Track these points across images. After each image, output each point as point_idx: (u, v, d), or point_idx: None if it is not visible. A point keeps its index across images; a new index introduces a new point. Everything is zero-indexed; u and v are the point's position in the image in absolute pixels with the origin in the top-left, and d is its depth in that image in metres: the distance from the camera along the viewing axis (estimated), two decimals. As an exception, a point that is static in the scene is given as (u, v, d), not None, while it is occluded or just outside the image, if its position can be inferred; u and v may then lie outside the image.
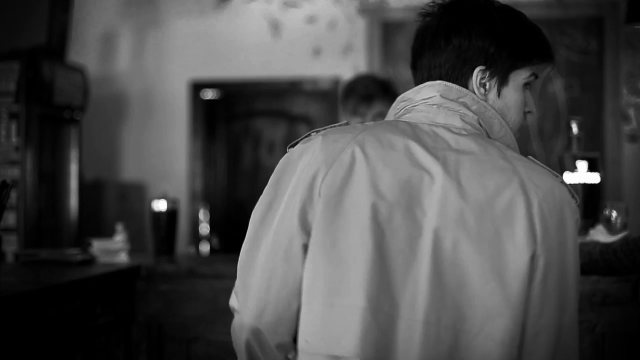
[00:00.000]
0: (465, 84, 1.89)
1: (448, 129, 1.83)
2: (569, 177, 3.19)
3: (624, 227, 3.00)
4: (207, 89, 6.87)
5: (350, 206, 1.74)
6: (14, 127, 5.10)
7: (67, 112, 5.56)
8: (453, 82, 1.89)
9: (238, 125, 6.96)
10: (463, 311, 1.70)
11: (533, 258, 1.69)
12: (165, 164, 6.81)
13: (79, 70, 5.71)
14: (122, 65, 6.90)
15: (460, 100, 1.87)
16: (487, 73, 1.88)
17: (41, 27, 5.49)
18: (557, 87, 6.40)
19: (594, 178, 3.19)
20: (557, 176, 1.77)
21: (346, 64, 6.46)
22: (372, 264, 1.71)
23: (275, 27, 6.63)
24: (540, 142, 6.38)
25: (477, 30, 1.88)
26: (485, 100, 1.88)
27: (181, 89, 6.81)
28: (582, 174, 3.17)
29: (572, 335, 1.76)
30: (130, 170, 6.88)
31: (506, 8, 1.93)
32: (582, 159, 3.20)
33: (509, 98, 1.91)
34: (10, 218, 5.01)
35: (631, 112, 6.21)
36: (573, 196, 1.76)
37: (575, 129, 3.29)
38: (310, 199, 1.75)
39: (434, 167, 1.74)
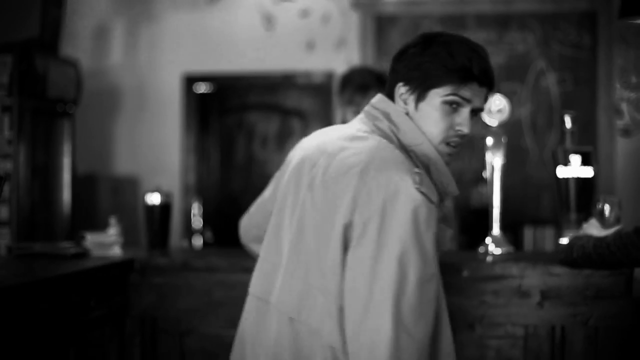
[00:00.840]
0: (394, 99, 2.30)
1: (361, 127, 2.29)
2: (562, 171, 3.19)
3: (617, 221, 3.01)
4: (200, 83, 6.86)
5: (282, 182, 2.40)
6: (6, 120, 5.10)
7: (60, 105, 5.55)
8: (388, 96, 2.32)
9: (231, 119, 6.95)
10: (310, 267, 2.14)
11: (348, 228, 2.07)
12: (158, 157, 6.80)
13: (72, 64, 5.70)
14: (115, 59, 6.89)
15: (386, 110, 2.28)
16: (407, 89, 2.26)
17: (34, 21, 5.48)
18: (550, 81, 6.40)
19: (588, 172, 3.19)
20: (415, 169, 2.11)
21: (339, 57, 6.46)
22: (272, 226, 2.36)
23: (268, 20, 6.62)
24: (533, 137, 6.39)
25: (405, 55, 2.29)
26: (407, 112, 2.26)
27: (174, 82, 6.80)
28: (575, 168, 3.18)
29: (384, 305, 1.99)
30: (123, 164, 6.87)
31: (448, 39, 2.27)
32: (576, 153, 3.21)
33: (425, 112, 2.24)
34: (3, 211, 5.01)
35: (624, 107, 6.22)
36: (417, 184, 2.05)
37: (568, 123, 3.29)
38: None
39: (323, 154, 2.24)
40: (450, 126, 2.23)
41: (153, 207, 3.66)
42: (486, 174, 3.34)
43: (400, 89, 2.27)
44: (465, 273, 2.96)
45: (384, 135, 2.23)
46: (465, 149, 6.26)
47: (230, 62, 6.68)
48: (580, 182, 3.18)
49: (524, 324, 2.95)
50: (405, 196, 2.03)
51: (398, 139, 2.23)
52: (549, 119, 6.40)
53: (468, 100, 2.22)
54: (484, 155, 3.35)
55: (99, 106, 6.76)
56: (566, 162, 3.20)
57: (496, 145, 3.31)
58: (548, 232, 6.12)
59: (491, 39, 6.48)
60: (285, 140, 6.73)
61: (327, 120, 6.23)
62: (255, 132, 6.88)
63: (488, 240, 3.33)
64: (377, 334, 1.97)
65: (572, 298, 2.91)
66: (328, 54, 6.54)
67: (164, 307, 3.23)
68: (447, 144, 2.24)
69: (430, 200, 2.05)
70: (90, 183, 6.81)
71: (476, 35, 6.48)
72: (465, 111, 2.23)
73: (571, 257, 2.82)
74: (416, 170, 2.09)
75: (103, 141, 6.87)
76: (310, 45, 6.56)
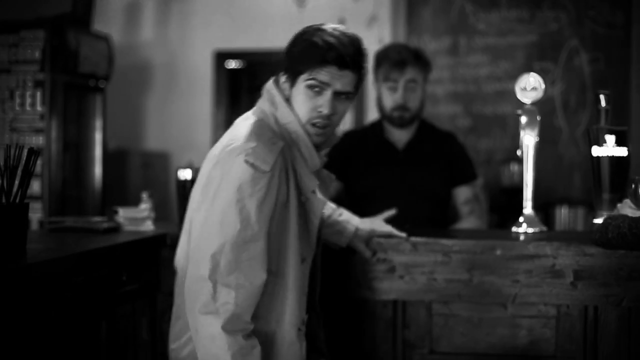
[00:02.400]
0: None
1: (252, 110, 2.65)
2: (596, 150, 3.16)
3: (652, 201, 2.98)
4: (231, 59, 6.85)
5: None
6: (39, 95, 5.12)
7: (92, 80, 5.57)
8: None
9: (262, 95, 6.95)
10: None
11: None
12: (188, 133, 6.81)
13: (104, 39, 5.71)
14: (147, 34, 6.90)
15: (271, 93, 2.61)
16: (285, 77, 2.59)
17: (66, -4, 5.49)
18: (583, 60, 6.35)
19: (622, 152, 3.15)
20: (246, 152, 2.40)
21: (371, 35, 6.42)
22: None
23: (300, -3, 6.61)
24: (565, 116, 6.35)
25: (286, 48, 2.62)
26: (286, 97, 2.58)
27: (205, 58, 6.80)
28: (610, 147, 3.14)
29: (205, 259, 2.37)
30: (153, 140, 6.89)
31: (319, 30, 2.61)
32: (610, 132, 3.17)
33: (294, 96, 2.56)
34: (35, 186, 5.04)
35: (657, 87, 6.15)
36: (248, 156, 2.39)
37: (603, 101, 3.25)
38: None
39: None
40: (314, 108, 2.53)
41: (185, 182, 3.66)
42: (520, 152, 3.31)
43: (282, 78, 2.61)
44: (498, 252, 2.94)
45: (263, 114, 2.59)
46: (496, 128, 6.24)
47: (262, 39, 6.67)
48: (615, 161, 3.14)
49: (556, 304, 2.93)
50: (236, 167, 2.39)
51: (275, 118, 2.57)
52: (581, 98, 6.36)
53: (327, 84, 2.52)
54: (514, 134, 3.32)
55: (130, 82, 6.77)
56: (600, 142, 3.16)
57: (530, 123, 3.29)
58: (580, 212, 6.09)
59: (524, 18, 6.44)
60: (315, 118, 6.71)
61: (357, 97, 6.20)
62: (286, 109, 6.87)
63: (521, 219, 3.31)
64: (199, 284, 2.38)
65: (606, 278, 2.89)
66: (359, 32, 6.37)
67: (195, 282, 3.23)
68: (314, 125, 2.55)
69: (261, 171, 2.38)
70: (121, 158, 6.83)
71: (509, 14, 6.44)
72: (327, 94, 2.53)
73: (606, 237, 2.80)
74: (253, 144, 2.43)
75: (134, 117, 6.89)
76: (341, 22, 6.52)
